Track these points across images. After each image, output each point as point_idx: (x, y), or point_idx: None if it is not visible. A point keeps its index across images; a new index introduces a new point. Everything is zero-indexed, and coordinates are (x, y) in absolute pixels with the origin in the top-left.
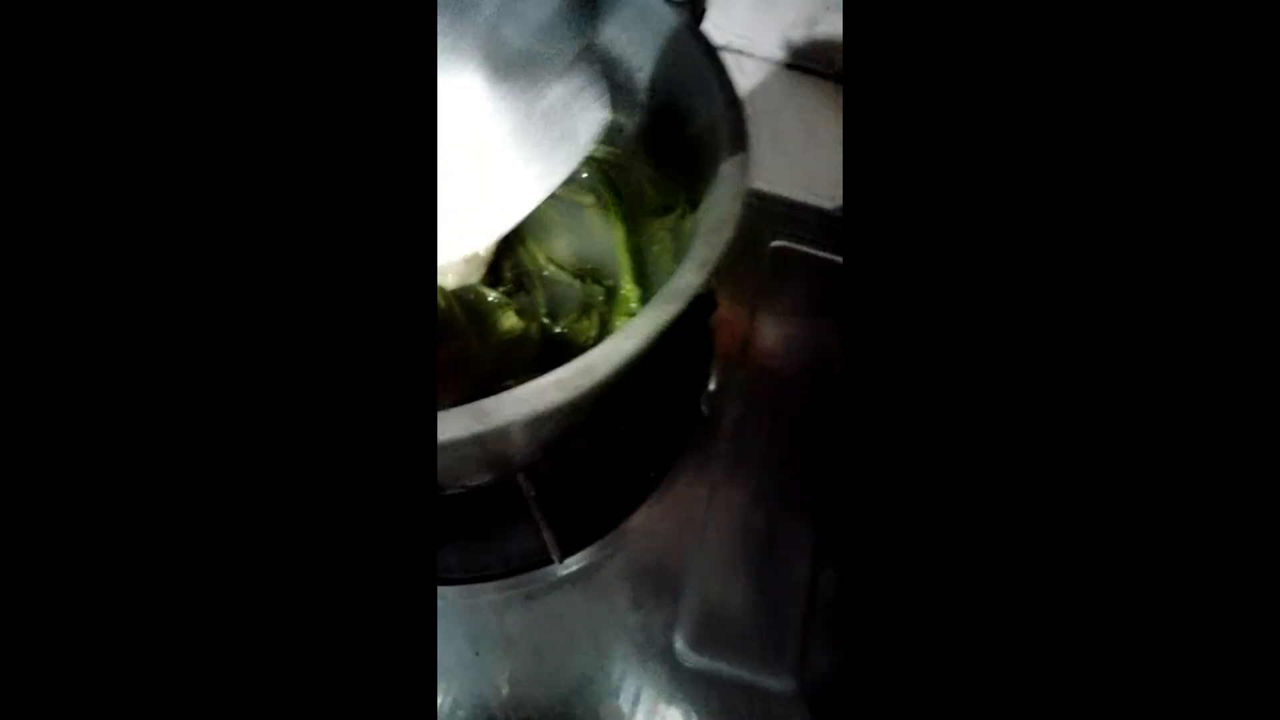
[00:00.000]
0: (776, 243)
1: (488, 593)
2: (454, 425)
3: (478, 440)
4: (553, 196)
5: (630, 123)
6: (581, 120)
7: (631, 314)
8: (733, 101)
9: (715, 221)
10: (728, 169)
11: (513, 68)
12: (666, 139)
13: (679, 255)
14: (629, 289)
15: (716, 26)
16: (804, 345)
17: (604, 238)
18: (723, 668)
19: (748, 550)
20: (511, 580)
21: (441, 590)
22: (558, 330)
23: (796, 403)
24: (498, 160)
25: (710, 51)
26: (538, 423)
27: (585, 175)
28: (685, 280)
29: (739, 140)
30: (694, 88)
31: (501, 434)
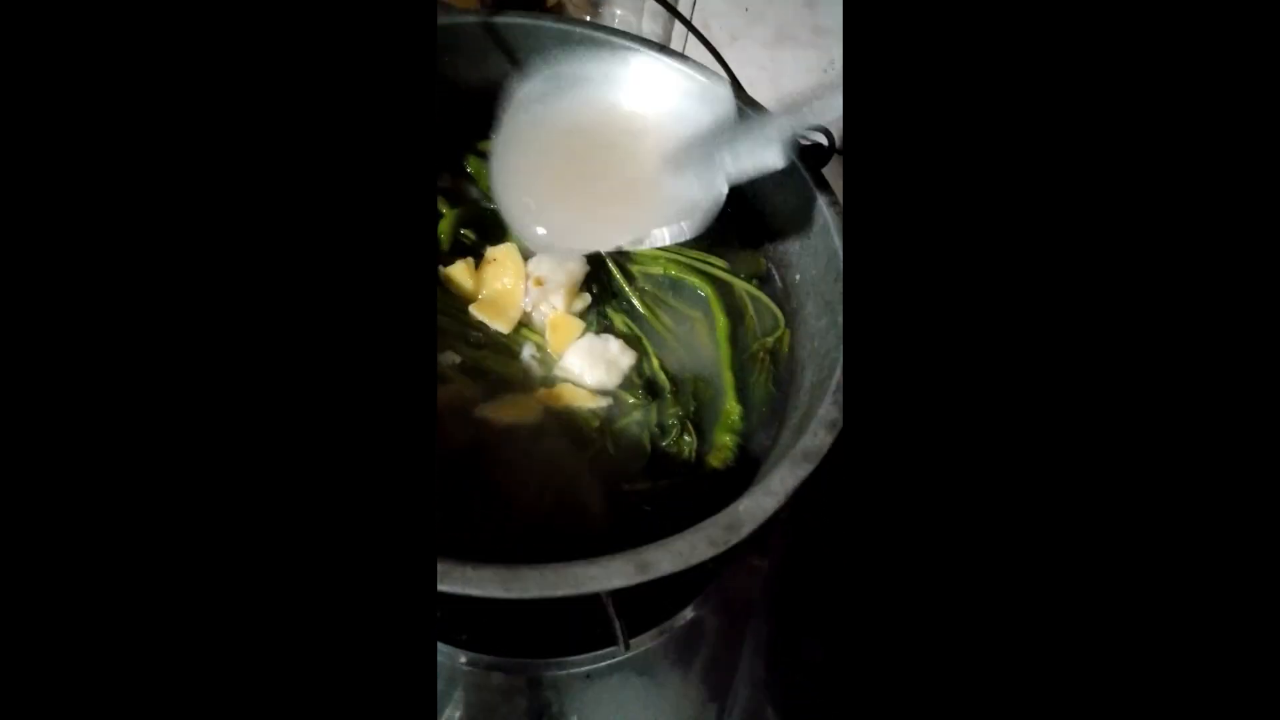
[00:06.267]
0: None
1: (550, 669)
2: (619, 574)
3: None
4: (667, 307)
5: (737, 239)
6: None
7: (733, 429)
8: None
9: (840, 381)
10: None
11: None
12: (773, 263)
13: (778, 377)
14: (731, 405)
15: None
16: None
17: (709, 352)
18: None
19: (796, 642)
20: (572, 659)
21: (505, 663)
22: (663, 444)
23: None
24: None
25: (835, 202)
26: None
27: (701, 293)
28: (819, 440)
29: None
30: (812, 230)
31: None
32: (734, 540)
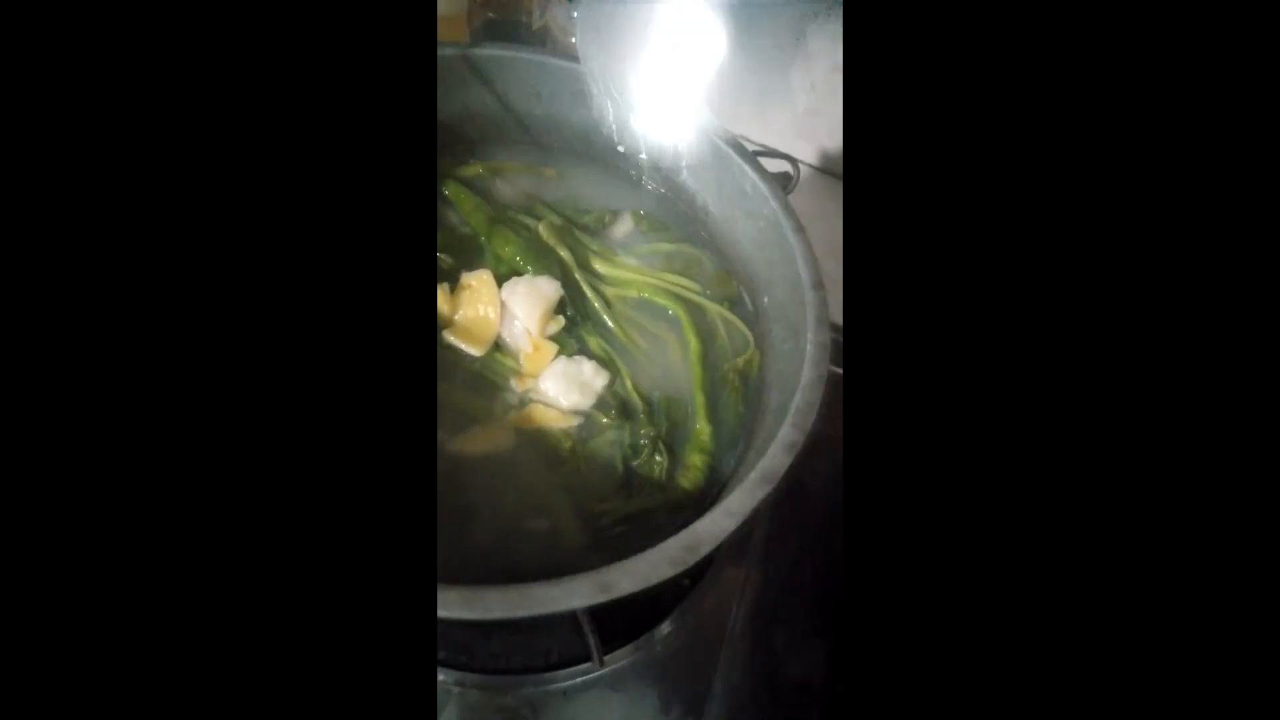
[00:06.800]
0: None
1: (526, 686)
2: (581, 594)
3: (599, 606)
4: (641, 329)
5: (710, 263)
6: None
7: (704, 449)
8: (818, 284)
9: (804, 404)
10: (814, 351)
11: None
12: (744, 285)
13: (747, 398)
14: (702, 425)
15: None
16: (829, 473)
17: (681, 373)
18: None
19: (771, 658)
20: (550, 676)
21: (482, 680)
22: (635, 464)
23: (820, 525)
24: None
25: (800, 229)
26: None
27: (670, 312)
28: (778, 462)
29: (823, 323)
30: (779, 257)
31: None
32: (692, 560)
